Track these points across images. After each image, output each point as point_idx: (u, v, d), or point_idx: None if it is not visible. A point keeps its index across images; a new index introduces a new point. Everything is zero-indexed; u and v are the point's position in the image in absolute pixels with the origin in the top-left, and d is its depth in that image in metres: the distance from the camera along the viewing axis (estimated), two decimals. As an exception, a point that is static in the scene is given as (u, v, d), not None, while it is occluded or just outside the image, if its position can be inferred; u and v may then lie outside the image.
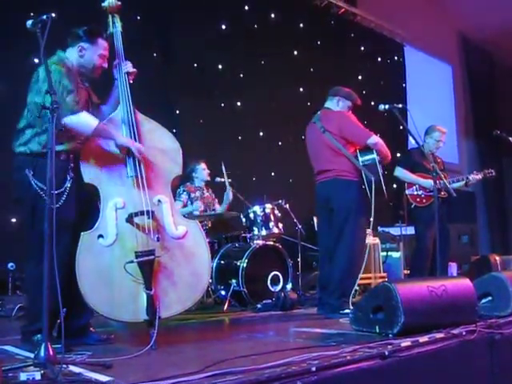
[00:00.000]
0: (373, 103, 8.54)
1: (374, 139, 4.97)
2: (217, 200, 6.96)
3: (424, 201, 6.21)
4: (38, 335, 3.12)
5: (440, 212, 5.67)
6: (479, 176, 6.51)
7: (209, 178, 6.86)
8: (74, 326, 3.57)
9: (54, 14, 2.98)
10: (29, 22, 2.97)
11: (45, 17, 2.94)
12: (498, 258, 7.77)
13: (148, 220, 3.50)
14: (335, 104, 5.26)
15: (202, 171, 6.81)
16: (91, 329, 3.67)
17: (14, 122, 3.55)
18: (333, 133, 5.02)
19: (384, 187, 4.98)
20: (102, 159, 3.58)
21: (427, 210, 6.09)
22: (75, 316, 3.55)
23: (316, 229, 5.81)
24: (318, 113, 5.30)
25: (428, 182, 5.96)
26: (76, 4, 6.33)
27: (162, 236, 3.53)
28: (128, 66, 3.81)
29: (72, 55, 3.65)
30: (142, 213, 3.49)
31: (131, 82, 3.83)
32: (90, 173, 3.54)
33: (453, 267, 8.04)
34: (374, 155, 4.98)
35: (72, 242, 3.38)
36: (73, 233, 3.41)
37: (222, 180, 6.79)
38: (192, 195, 6.70)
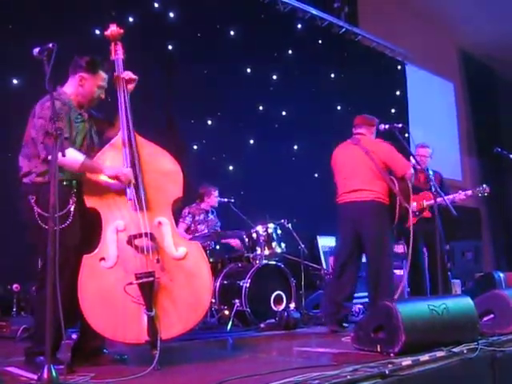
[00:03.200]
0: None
1: (412, 171, 5.16)
2: (219, 223, 7.02)
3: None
4: (42, 357, 3.14)
5: (421, 232, 5.71)
6: (468, 194, 6.21)
7: (216, 205, 6.95)
8: (88, 347, 3.62)
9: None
10: (35, 50, 3.04)
11: (51, 45, 3.01)
12: (502, 274, 7.76)
13: (148, 242, 3.53)
14: (373, 132, 5.43)
15: (215, 198, 6.92)
16: (105, 350, 3.70)
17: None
18: (376, 157, 5.15)
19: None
20: (102, 183, 3.63)
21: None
22: (89, 338, 3.59)
23: (320, 248, 5.83)
24: (357, 137, 5.39)
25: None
26: (79, 32, 6.45)
27: (161, 257, 3.56)
28: (128, 73, 3.90)
29: (71, 86, 3.71)
30: (141, 235, 3.53)
31: (131, 90, 3.90)
32: (92, 197, 3.59)
33: (457, 284, 8.02)
34: (409, 184, 5.17)
35: (77, 265, 3.42)
36: (77, 257, 3.46)
37: (226, 200, 6.86)
38: (196, 217, 6.77)
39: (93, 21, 6.67)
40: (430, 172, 6.20)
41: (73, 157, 3.44)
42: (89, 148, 3.70)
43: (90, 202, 3.59)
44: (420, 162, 6.05)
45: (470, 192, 6.19)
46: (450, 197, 6.08)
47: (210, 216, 6.95)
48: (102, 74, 3.74)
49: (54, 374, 2.63)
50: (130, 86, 3.92)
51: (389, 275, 5.10)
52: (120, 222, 3.58)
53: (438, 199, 5.18)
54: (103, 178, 3.62)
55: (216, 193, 6.95)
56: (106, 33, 3.99)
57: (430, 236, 5.19)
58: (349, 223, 5.20)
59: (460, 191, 6.22)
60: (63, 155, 2.91)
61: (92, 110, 3.85)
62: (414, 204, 5.88)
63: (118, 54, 3.96)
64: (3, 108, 5.93)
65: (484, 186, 6.12)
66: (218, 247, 6.89)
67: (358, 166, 5.21)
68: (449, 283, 6.06)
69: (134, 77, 3.93)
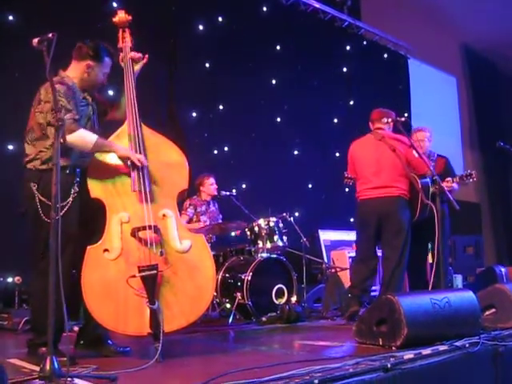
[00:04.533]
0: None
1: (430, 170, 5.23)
2: (221, 216, 7.00)
3: None
4: (44, 348, 3.15)
5: (418, 223, 5.66)
6: (454, 183, 5.88)
7: (216, 193, 6.90)
8: (90, 337, 3.65)
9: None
10: (35, 40, 3.03)
11: (50, 35, 3.00)
12: (503, 269, 7.75)
13: (151, 234, 3.53)
14: (390, 127, 5.52)
15: (210, 186, 6.87)
16: (109, 341, 3.71)
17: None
18: (402, 154, 5.25)
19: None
20: (107, 174, 3.64)
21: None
22: (93, 327, 3.61)
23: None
24: (378, 132, 5.43)
25: None
26: (88, 19, 6.44)
27: (165, 250, 3.55)
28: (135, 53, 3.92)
29: (75, 71, 3.71)
30: (145, 227, 3.53)
31: (138, 71, 3.93)
32: (97, 188, 3.60)
33: (458, 279, 8.02)
34: (428, 180, 5.35)
35: (78, 256, 3.42)
36: (79, 246, 3.46)
37: (228, 193, 6.85)
38: (198, 209, 6.75)
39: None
40: (432, 158, 6.09)
41: (85, 137, 3.47)
42: (91, 131, 3.70)
43: (95, 192, 3.59)
44: (418, 147, 6.00)
45: (457, 179, 5.88)
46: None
47: (212, 207, 6.94)
48: (108, 61, 3.76)
49: (56, 365, 2.63)
50: (137, 67, 3.92)
51: (402, 272, 5.25)
52: (124, 213, 3.58)
53: (440, 187, 5.09)
54: (113, 159, 3.62)
55: (210, 180, 6.89)
56: (113, 19, 3.98)
57: (431, 228, 5.15)
58: (373, 218, 5.28)
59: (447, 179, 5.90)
60: (64, 141, 2.90)
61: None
62: None
63: (125, 41, 3.96)
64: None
65: (469, 171, 5.96)
66: (219, 240, 6.87)
67: (385, 163, 5.29)
68: (450, 277, 6.06)
69: (139, 55, 3.93)
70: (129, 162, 3.63)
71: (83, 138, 3.47)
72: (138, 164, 3.61)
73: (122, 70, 3.93)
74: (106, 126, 3.96)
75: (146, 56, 3.95)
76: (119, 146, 3.66)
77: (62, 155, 3.02)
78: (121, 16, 3.98)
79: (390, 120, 5.43)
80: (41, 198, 3.38)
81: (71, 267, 3.42)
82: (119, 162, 3.66)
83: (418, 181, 5.23)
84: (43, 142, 3.49)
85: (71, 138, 3.37)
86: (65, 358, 2.74)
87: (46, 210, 3.23)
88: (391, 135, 5.44)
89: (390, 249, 5.24)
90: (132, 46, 3.96)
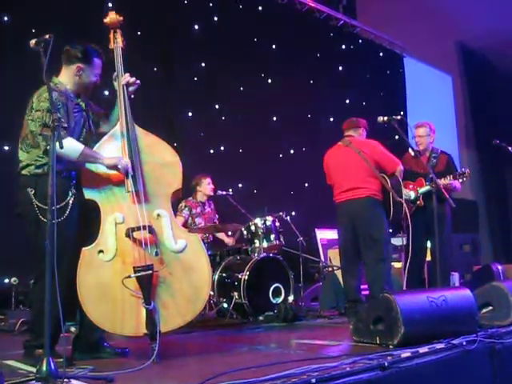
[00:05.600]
0: (373, 115, 8.57)
1: (401, 167, 5.39)
2: (217, 216, 6.99)
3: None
4: (41, 350, 3.14)
5: (422, 222, 5.67)
6: (447, 180, 5.83)
7: (212, 193, 6.89)
8: (88, 340, 3.63)
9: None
10: (32, 42, 3.02)
11: (47, 36, 2.99)
12: (500, 267, 7.75)
13: (146, 235, 3.52)
14: (361, 133, 5.67)
15: (207, 186, 6.85)
16: (106, 343, 3.70)
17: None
18: (368, 156, 5.35)
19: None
20: (101, 175, 3.62)
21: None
22: (89, 330, 3.59)
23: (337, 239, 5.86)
24: (347, 139, 5.60)
25: (408, 194, 5.84)
26: (78, 20, 6.42)
27: (160, 250, 3.55)
28: (127, 77, 3.83)
29: (67, 75, 3.68)
30: (140, 228, 3.51)
31: (133, 94, 3.85)
32: (91, 189, 3.58)
33: (455, 277, 8.02)
34: (400, 179, 5.40)
35: (75, 257, 3.41)
36: (75, 249, 3.45)
37: (224, 193, 6.84)
38: (193, 211, 6.73)
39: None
40: (434, 154, 6.08)
41: (72, 146, 3.43)
42: (87, 137, 3.70)
43: (89, 193, 3.58)
44: (418, 144, 6.07)
45: (451, 177, 5.83)
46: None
47: (207, 209, 6.92)
48: (98, 61, 3.74)
49: (52, 366, 2.62)
50: (131, 89, 3.87)
51: (385, 269, 5.25)
52: (119, 214, 3.57)
53: (436, 184, 5.09)
54: (102, 168, 3.60)
55: (207, 180, 6.86)
56: (104, 20, 3.93)
57: (430, 226, 5.17)
58: (347, 220, 5.39)
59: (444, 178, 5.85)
60: (61, 147, 2.89)
61: (90, 100, 3.83)
62: (412, 193, 5.87)
63: (117, 42, 3.91)
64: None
65: (463, 169, 5.95)
66: (216, 239, 6.87)
67: (352, 166, 5.42)
68: (448, 275, 6.05)
69: (132, 79, 3.84)
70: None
71: (70, 146, 3.39)
72: (123, 172, 3.58)
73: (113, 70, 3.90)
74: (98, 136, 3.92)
75: (138, 82, 3.89)
76: (104, 157, 3.59)
77: (57, 159, 3.01)
78: (112, 17, 3.92)
79: (360, 130, 5.64)
80: (38, 203, 3.37)
81: (71, 269, 3.40)
82: (109, 171, 3.63)
83: (388, 180, 5.30)
84: (37, 150, 3.48)
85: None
86: (61, 359, 2.74)
87: (45, 213, 3.21)
88: (359, 140, 5.59)
89: (367, 248, 5.26)
90: (124, 47, 3.92)
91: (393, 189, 5.24)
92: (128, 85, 3.83)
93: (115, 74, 3.87)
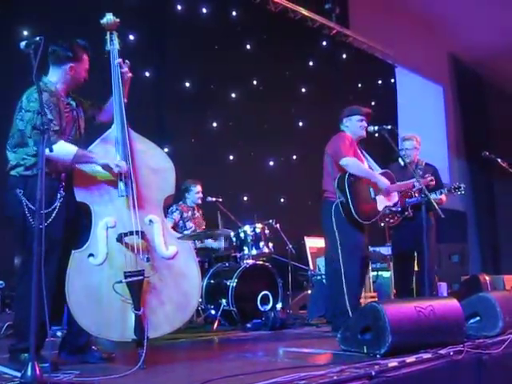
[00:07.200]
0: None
1: (346, 161, 4.92)
2: (205, 223, 6.97)
3: (391, 221, 6.04)
4: (26, 354, 3.11)
5: (409, 233, 5.66)
6: (442, 196, 5.89)
7: (200, 202, 6.87)
8: (74, 343, 3.61)
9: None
10: (22, 44, 3.00)
11: (38, 38, 2.98)
12: (488, 277, 7.78)
13: (138, 240, 3.50)
14: (344, 126, 5.30)
15: (195, 194, 6.83)
16: (93, 347, 3.67)
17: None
18: (329, 153, 5.10)
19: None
20: (94, 179, 3.60)
21: (395, 231, 6.10)
22: (76, 334, 3.57)
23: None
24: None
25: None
26: (74, 20, 6.41)
27: (151, 256, 3.53)
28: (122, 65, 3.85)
29: (57, 75, 3.65)
30: (131, 233, 3.50)
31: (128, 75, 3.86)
32: (83, 192, 3.56)
33: (443, 287, 8.04)
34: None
35: (62, 260, 3.39)
36: (63, 251, 3.43)
37: (213, 199, 6.83)
38: (184, 214, 6.72)
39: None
40: (420, 166, 6.09)
41: (64, 150, 3.42)
42: (77, 137, 3.68)
43: (81, 196, 3.55)
44: (405, 157, 5.97)
45: (446, 191, 5.95)
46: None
47: (197, 213, 6.90)
48: (86, 57, 3.73)
49: (37, 371, 2.59)
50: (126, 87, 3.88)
51: (346, 275, 4.85)
52: (110, 218, 3.55)
53: (426, 196, 5.04)
54: (96, 170, 3.58)
55: (196, 188, 6.84)
56: (101, 21, 3.89)
57: (418, 236, 5.16)
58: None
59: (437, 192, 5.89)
60: (50, 151, 2.87)
61: (80, 95, 3.82)
62: (397, 201, 5.53)
63: (113, 44, 3.89)
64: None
65: (457, 183, 5.99)
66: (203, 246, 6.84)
67: (323, 170, 5.20)
68: (435, 285, 6.07)
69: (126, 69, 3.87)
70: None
71: (63, 149, 3.39)
72: (116, 171, 3.56)
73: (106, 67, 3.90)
74: (97, 129, 3.92)
75: (130, 75, 3.89)
76: (97, 157, 3.57)
77: (46, 161, 2.99)
78: (109, 18, 3.91)
79: (344, 120, 5.30)
80: (28, 203, 3.35)
81: (58, 272, 3.38)
82: (103, 171, 3.62)
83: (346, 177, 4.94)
84: (25, 149, 3.46)
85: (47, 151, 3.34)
86: (47, 364, 2.71)
87: (34, 215, 3.19)
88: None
89: (329, 257, 5.08)
90: (120, 49, 3.92)
91: (351, 186, 4.88)
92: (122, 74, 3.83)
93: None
